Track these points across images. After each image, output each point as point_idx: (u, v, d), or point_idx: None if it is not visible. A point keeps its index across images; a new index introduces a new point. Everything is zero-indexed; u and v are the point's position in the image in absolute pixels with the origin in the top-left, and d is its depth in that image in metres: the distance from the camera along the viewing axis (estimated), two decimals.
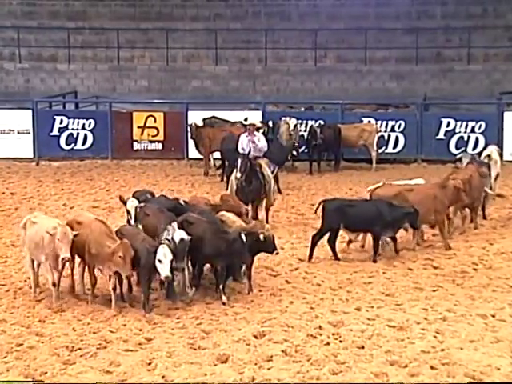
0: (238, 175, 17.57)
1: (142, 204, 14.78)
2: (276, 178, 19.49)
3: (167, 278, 12.53)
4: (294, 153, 24.46)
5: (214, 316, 12.41)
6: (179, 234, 12.98)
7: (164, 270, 12.41)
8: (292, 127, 24.91)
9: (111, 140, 26.72)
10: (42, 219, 13.59)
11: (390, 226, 15.50)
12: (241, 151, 18.29)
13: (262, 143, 18.39)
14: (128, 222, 14.89)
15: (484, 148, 22.87)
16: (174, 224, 13.27)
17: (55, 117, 27.13)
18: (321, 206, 15.77)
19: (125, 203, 15.13)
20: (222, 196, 16.41)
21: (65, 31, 34.08)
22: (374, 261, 15.34)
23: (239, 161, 17.77)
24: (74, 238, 12.80)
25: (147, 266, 12.56)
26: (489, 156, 20.75)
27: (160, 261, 12.42)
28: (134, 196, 15.59)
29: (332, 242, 15.46)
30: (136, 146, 26.86)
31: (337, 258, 15.40)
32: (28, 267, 13.40)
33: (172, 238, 12.92)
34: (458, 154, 23.09)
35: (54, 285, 12.86)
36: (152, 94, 32.11)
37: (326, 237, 15.50)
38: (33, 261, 13.35)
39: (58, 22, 35.09)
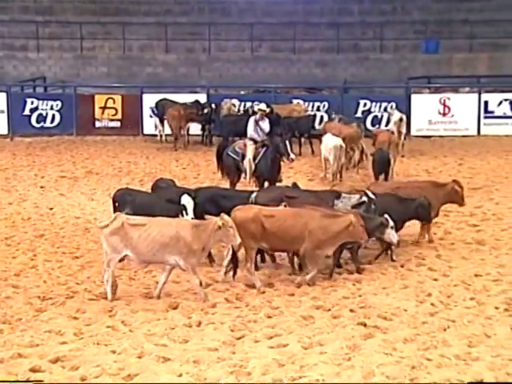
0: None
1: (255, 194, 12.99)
2: None
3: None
4: None
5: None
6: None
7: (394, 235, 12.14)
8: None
9: (76, 119, 26.38)
10: (150, 221, 10.92)
11: None
12: (252, 134, 16.80)
13: (266, 126, 16.99)
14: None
15: None
16: (344, 196, 12.71)
17: (27, 99, 26.70)
18: None
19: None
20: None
21: (34, 24, 33.48)
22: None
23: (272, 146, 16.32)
24: (280, 233, 11.31)
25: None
26: (401, 119, 21.92)
27: (392, 227, 12.02)
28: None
29: None
30: (97, 124, 26.55)
31: None
32: (110, 271, 10.84)
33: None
34: (373, 129, 23.52)
35: (200, 284, 10.86)
36: (111, 79, 31.71)
37: None
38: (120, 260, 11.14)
39: (28, 16, 34.42)
